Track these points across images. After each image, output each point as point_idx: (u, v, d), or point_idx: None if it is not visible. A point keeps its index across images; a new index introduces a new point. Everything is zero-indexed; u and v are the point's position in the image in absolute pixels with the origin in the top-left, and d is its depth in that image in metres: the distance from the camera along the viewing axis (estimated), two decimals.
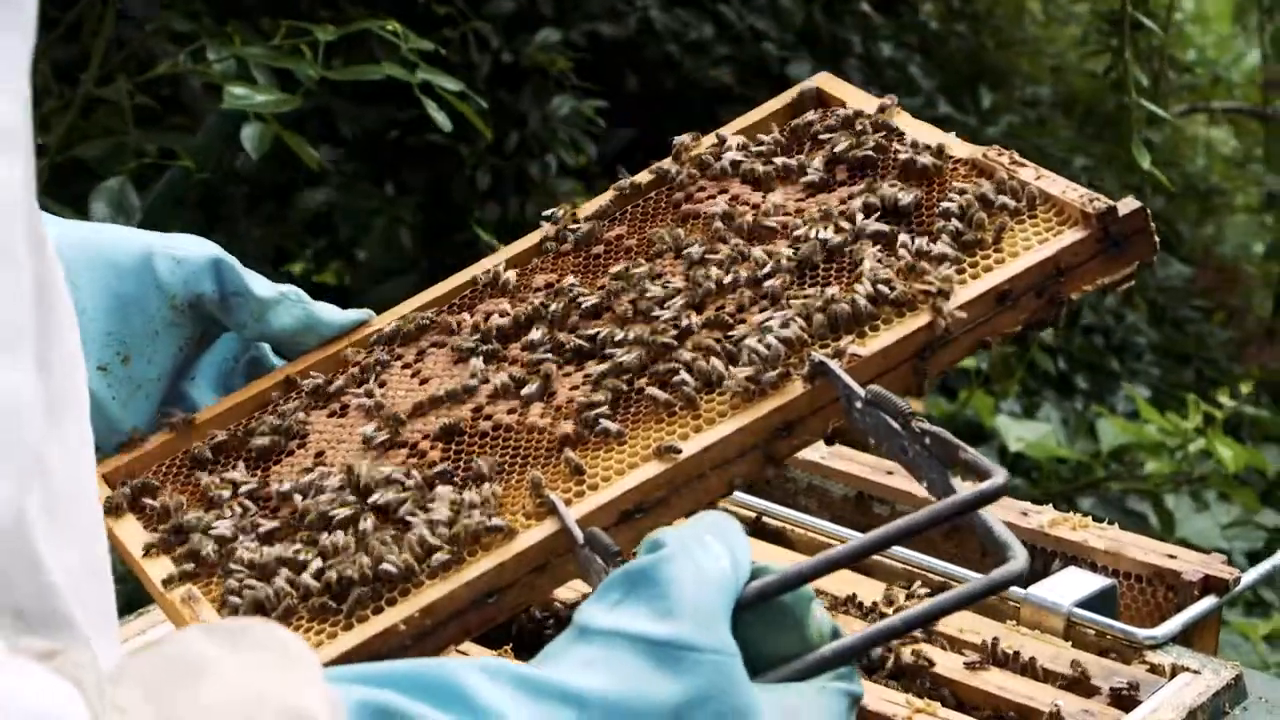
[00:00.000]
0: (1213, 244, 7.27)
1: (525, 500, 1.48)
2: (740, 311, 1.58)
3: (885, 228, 1.61)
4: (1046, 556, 1.98)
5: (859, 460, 2.16)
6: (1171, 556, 1.94)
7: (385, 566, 1.42)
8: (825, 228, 1.62)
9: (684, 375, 1.52)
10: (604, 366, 1.56)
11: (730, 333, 1.56)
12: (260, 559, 1.47)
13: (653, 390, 1.52)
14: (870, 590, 1.88)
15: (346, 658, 1.39)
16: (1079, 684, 1.74)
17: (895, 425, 1.40)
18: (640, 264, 1.66)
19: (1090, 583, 1.88)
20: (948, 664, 1.75)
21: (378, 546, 1.44)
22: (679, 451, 1.47)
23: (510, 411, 1.57)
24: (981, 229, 1.58)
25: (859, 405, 1.45)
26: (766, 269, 1.60)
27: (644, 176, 1.77)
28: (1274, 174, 6.83)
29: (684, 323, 1.57)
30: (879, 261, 1.57)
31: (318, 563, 1.45)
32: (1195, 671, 1.75)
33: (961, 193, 1.62)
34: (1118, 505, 4.58)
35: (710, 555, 1.15)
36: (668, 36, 5.38)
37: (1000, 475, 1.25)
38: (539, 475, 1.48)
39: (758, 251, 1.62)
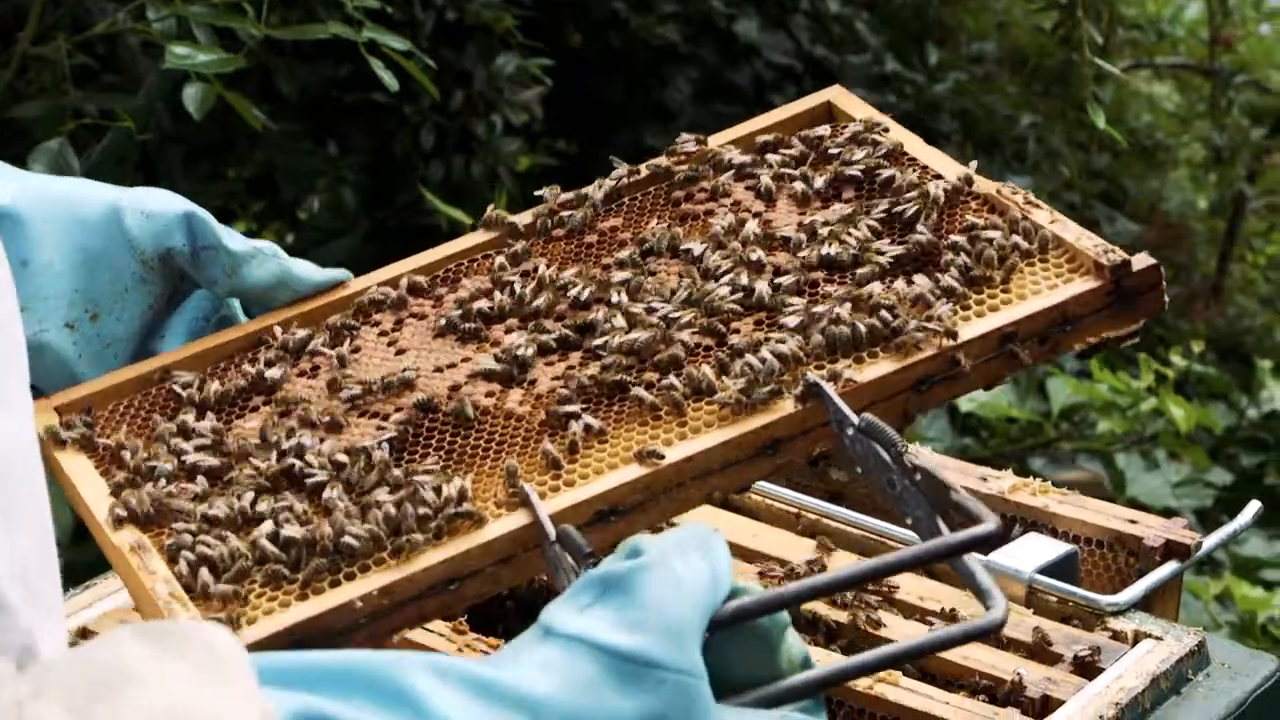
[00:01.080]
0: (1157, 200, 7.28)
1: (497, 488, 1.44)
2: (735, 320, 1.54)
3: (892, 251, 1.57)
4: (1007, 523, 1.96)
5: None
6: (1133, 521, 1.93)
7: (347, 540, 1.38)
8: (830, 244, 1.58)
9: (673, 379, 1.48)
10: (599, 358, 1.51)
11: (724, 341, 1.52)
12: (215, 513, 1.42)
13: (639, 391, 1.48)
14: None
15: (297, 629, 1.35)
16: (1041, 651, 1.73)
17: (886, 457, 1.36)
18: (636, 259, 1.61)
19: (1051, 549, 1.87)
20: (908, 632, 1.73)
21: (341, 518, 1.40)
22: (662, 457, 1.43)
23: (489, 395, 1.52)
24: (991, 266, 1.54)
25: (850, 432, 1.41)
26: (766, 279, 1.56)
27: (642, 170, 1.71)
28: (1219, 129, 6.84)
29: (676, 321, 1.53)
30: (884, 288, 1.53)
31: (275, 525, 1.40)
32: (1158, 638, 1.74)
33: (973, 227, 1.58)
34: (1068, 465, 4.59)
35: (690, 568, 1.11)
36: None
37: (991, 522, 1.22)
38: (514, 464, 1.44)
39: (758, 258, 1.58)
